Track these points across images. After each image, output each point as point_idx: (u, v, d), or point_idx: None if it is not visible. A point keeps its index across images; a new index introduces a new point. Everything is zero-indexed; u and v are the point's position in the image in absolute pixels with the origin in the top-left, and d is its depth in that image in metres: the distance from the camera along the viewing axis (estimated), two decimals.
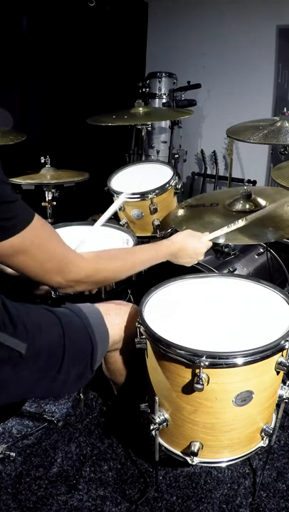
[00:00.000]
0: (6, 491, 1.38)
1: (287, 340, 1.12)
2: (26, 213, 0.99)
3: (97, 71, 3.40)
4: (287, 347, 1.12)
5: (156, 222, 2.13)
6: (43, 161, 2.34)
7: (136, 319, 1.33)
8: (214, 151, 3.67)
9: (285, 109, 2.00)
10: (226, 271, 1.83)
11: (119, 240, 1.83)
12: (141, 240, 2.24)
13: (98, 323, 1.27)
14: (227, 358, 1.08)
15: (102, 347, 1.26)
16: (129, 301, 1.85)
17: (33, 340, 1.10)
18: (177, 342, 1.12)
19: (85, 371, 1.21)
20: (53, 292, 1.46)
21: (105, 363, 1.46)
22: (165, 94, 3.50)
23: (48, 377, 1.15)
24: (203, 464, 1.26)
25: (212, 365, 1.08)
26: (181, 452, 1.25)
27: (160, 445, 1.29)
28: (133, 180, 2.24)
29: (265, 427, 1.24)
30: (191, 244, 1.42)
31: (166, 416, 1.24)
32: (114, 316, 1.34)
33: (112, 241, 1.83)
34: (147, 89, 3.54)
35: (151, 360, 1.25)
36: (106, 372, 1.50)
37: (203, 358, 1.07)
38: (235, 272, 1.84)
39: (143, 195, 2.07)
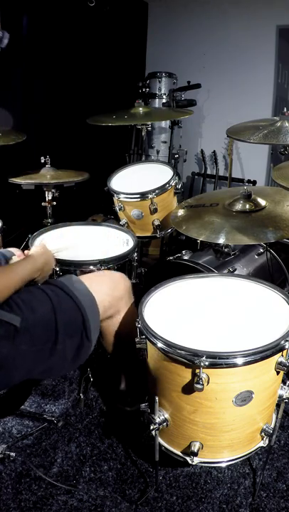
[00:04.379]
0: (6, 491, 1.38)
1: (287, 340, 1.13)
2: None
3: (97, 71, 3.40)
4: (287, 347, 1.12)
5: (156, 222, 2.13)
6: (43, 161, 2.35)
7: (123, 285, 1.43)
8: (214, 151, 3.66)
9: (285, 109, 1.99)
10: (225, 271, 1.83)
11: (120, 240, 1.84)
12: (141, 240, 2.25)
13: (82, 292, 1.32)
14: (227, 358, 1.08)
15: (92, 314, 1.31)
16: None
17: (25, 315, 1.17)
18: (177, 342, 1.12)
19: (82, 341, 1.27)
20: None
21: (103, 336, 1.50)
22: (165, 94, 3.50)
23: (46, 349, 1.20)
24: (203, 464, 1.26)
25: (212, 365, 1.08)
26: (181, 452, 1.25)
27: (160, 445, 1.29)
28: (133, 180, 2.25)
29: (265, 427, 1.24)
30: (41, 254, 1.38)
31: (166, 416, 1.24)
32: (97, 284, 1.39)
33: (112, 241, 1.83)
34: (147, 89, 3.53)
35: (151, 360, 1.25)
36: (105, 346, 1.55)
37: (203, 358, 1.07)
38: (235, 272, 1.84)
39: (143, 195, 2.07)
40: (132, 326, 1.26)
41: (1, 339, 1.13)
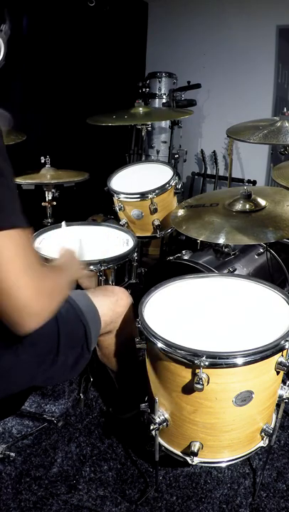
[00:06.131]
0: (6, 491, 1.38)
1: (287, 340, 1.13)
2: (17, 214, 0.88)
3: (97, 71, 3.40)
4: (287, 347, 1.12)
5: (156, 222, 2.13)
6: (43, 161, 2.35)
7: (125, 301, 1.40)
8: (214, 151, 3.66)
9: (285, 109, 1.99)
10: (226, 271, 1.83)
11: (120, 240, 1.84)
12: (141, 240, 2.25)
13: (86, 304, 1.31)
14: (227, 358, 1.08)
15: (94, 327, 1.29)
16: None
17: None
18: (177, 342, 1.12)
19: (83, 352, 1.26)
20: None
21: (100, 348, 1.48)
22: (165, 94, 3.50)
23: (48, 360, 1.19)
24: (203, 464, 1.26)
25: (212, 365, 1.08)
26: (181, 452, 1.25)
27: (160, 445, 1.29)
28: (133, 180, 2.25)
29: (265, 427, 1.24)
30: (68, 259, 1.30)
31: (166, 416, 1.24)
32: (101, 298, 1.37)
33: (112, 241, 1.83)
34: (147, 89, 3.54)
35: (151, 360, 1.25)
36: (102, 359, 1.53)
37: (203, 358, 1.07)
38: (235, 272, 1.84)
39: (143, 195, 2.07)
40: (131, 342, 1.24)
41: (5, 350, 1.11)
